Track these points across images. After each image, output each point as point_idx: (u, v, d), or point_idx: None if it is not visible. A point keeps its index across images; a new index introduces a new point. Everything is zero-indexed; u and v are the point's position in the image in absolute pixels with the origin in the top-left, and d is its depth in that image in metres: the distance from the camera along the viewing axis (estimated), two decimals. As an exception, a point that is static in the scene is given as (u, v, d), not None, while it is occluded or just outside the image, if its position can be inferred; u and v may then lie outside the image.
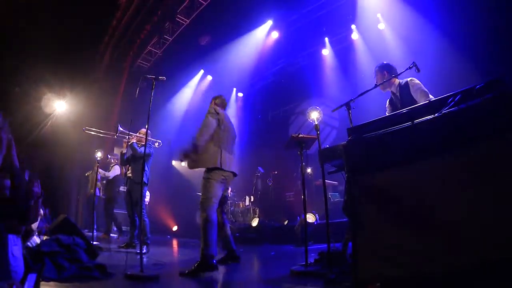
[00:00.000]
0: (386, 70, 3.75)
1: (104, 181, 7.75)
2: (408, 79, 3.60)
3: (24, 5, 8.12)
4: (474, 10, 6.42)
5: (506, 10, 5.97)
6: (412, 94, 3.47)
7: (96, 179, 7.30)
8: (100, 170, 7.37)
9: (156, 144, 6.08)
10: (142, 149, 5.47)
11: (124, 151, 5.83)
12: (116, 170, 7.59)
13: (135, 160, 5.62)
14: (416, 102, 3.27)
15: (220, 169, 3.66)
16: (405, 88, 3.59)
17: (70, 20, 8.48)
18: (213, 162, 3.64)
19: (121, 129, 5.67)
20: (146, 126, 3.81)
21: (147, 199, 8.97)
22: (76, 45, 9.44)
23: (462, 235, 1.82)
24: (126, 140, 5.75)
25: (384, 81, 3.67)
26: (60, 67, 9.39)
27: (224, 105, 4.27)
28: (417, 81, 3.54)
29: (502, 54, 5.86)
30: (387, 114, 3.77)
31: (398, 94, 3.68)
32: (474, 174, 1.83)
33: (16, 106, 9.25)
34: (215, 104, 4.16)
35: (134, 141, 5.69)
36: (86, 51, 9.91)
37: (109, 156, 7.92)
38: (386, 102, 3.93)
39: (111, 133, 6.03)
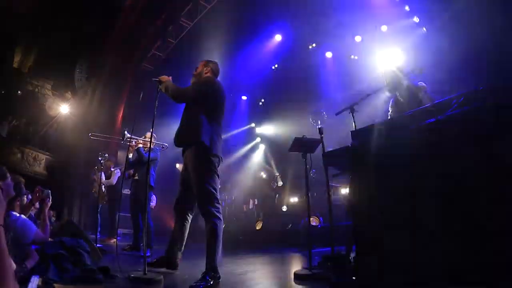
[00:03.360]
0: (396, 72, 3.75)
1: (105, 187, 7.73)
2: (419, 83, 3.61)
3: (28, 9, 8.19)
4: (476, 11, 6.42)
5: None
6: (421, 97, 3.47)
7: (100, 188, 7.29)
8: (103, 180, 7.36)
9: (162, 147, 6.08)
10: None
11: (130, 155, 5.82)
12: (117, 174, 7.59)
13: (141, 164, 5.64)
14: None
15: None
16: (415, 91, 3.58)
17: (74, 23, 8.55)
18: None
19: (127, 134, 5.68)
20: (151, 130, 3.80)
21: (153, 203, 8.96)
22: (80, 48, 9.51)
23: (464, 238, 1.81)
24: (134, 145, 5.75)
25: (398, 83, 3.69)
26: (64, 70, 9.46)
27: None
28: (426, 86, 3.56)
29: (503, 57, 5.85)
30: (391, 115, 3.76)
31: (406, 96, 3.67)
32: (477, 175, 1.82)
33: (21, 109, 9.32)
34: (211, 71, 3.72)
35: (141, 145, 5.70)
36: (90, 54, 9.98)
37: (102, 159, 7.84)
38: (389, 103, 3.91)
39: (118, 138, 6.04)
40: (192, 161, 3.19)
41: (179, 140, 3.37)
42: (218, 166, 3.25)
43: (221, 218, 3.15)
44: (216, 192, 3.15)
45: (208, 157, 3.16)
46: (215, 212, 3.09)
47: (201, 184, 3.10)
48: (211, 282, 2.83)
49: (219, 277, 2.98)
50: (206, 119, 3.22)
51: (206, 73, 3.64)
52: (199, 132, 3.14)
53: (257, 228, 7.87)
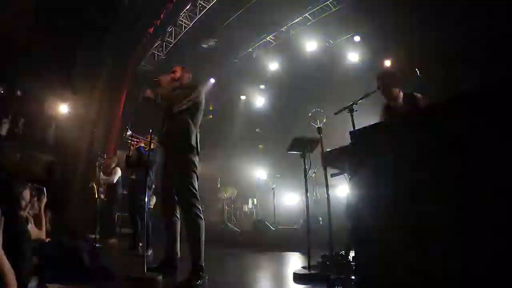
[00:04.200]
0: (391, 79, 3.61)
1: (104, 184, 7.71)
2: (414, 92, 3.52)
3: (27, 8, 8.18)
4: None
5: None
6: (416, 103, 3.38)
7: (99, 185, 7.29)
8: (102, 176, 7.34)
9: None
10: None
11: (130, 153, 5.82)
12: (117, 173, 7.57)
13: (140, 163, 5.63)
14: None
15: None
16: (410, 99, 3.48)
17: (73, 23, 8.54)
18: None
19: (129, 132, 5.67)
20: (151, 130, 3.81)
21: (152, 202, 8.96)
22: (78, 47, 9.50)
23: (463, 237, 1.81)
24: (135, 144, 5.74)
25: (388, 89, 3.59)
26: (63, 69, 9.45)
27: None
28: (421, 97, 3.48)
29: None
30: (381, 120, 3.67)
31: (399, 103, 3.57)
32: (477, 175, 1.82)
33: (20, 108, 9.31)
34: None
35: (142, 144, 5.68)
36: (89, 53, 9.97)
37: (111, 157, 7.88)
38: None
39: (121, 134, 6.04)
40: (176, 164, 3.27)
41: (169, 145, 3.44)
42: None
43: (202, 217, 3.21)
44: (197, 192, 3.23)
45: (192, 160, 3.27)
46: (197, 211, 3.16)
47: (185, 185, 3.17)
48: (198, 281, 2.84)
49: (206, 276, 2.99)
50: (192, 124, 3.35)
51: (185, 78, 3.72)
52: (190, 139, 3.27)
53: (256, 227, 7.85)
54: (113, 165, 7.62)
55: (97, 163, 6.96)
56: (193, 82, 3.65)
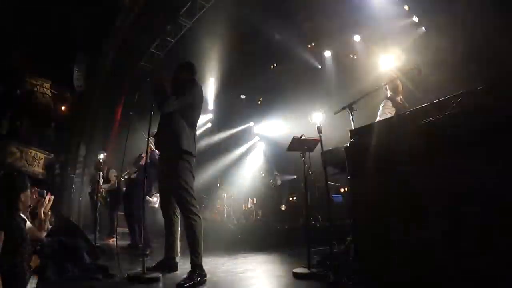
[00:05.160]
0: (399, 79, 3.84)
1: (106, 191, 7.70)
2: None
3: (27, 8, 8.18)
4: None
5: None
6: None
7: (99, 189, 7.26)
8: (104, 186, 7.34)
9: None
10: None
11: (143, 154, 5.81)
12: (115, 175, 7.57)
13: (144, 166, 5.63)
14: None
15: None
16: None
17: (73, 22, 8.54)
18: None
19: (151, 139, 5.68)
20: (148, 131, 3.78)
21: (155, 201, 8.93)
22: (79, 47, 9.50)
23: (462, 238, 1.81)
24: (151, 147, 5.75)
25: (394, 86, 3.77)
26: (63, 69, 9.45)
27: None
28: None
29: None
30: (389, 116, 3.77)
31: (404, 99, 3.76)
32: (476, 173, 1.82)
33: (20, 108, 9.32)
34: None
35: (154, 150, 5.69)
36: (89, 53, 9.96)
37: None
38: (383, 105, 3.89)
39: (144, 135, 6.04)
40: (171, 165, 3.25)
41: (162, 147, 3.46)
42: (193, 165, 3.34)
43: (200, 216, 3.22)
44: (193, 192, 3.23)
45: (187, 161, 3.25)
46: (194, 210, 3.16)
47: (180, 186, 3.16)
48: (198, 280, 2.85)
49: (205, 275, 2.99)
50: (187, 125, 3.31)
51: (184, 76, 3.61)
52: (182, 141, 3.23)
53: (256, 226, 7.87)
54: (106, 168, 7.59)
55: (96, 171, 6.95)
56: (190, 81, 3.56)
